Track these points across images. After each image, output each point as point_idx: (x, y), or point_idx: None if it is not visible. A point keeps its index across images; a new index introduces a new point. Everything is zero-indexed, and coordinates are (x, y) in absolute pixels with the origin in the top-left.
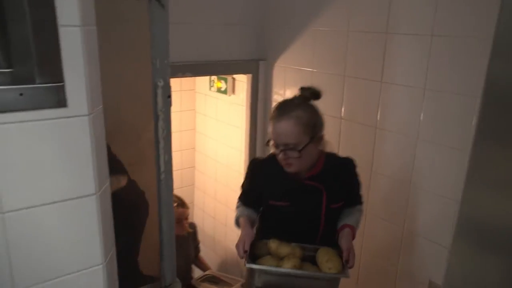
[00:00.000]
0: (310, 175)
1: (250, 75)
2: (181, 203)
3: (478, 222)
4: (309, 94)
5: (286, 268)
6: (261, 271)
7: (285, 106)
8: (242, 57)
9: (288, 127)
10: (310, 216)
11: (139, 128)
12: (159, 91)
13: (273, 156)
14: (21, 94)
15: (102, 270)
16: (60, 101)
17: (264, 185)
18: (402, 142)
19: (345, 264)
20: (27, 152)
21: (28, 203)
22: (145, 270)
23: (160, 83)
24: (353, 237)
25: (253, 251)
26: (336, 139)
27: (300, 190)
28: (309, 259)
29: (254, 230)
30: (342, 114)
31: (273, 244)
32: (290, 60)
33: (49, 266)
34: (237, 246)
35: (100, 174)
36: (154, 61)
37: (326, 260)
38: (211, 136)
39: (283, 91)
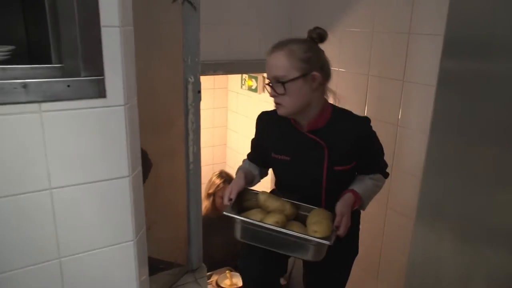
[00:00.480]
0: (312, 128)
1: None
2: (229, 179)
3: (434, 204)
4: (315, 35)
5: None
6: (236, 221)
7: (282, 41)
8: None
9: (277, 59)
10: (312, 175)
11: (170, 121)
12: (190, 87)
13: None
14: (68, 86)
15: (133, 246)
16: (100, 92)
17: (267, 136)
18: (423, 140)
19: (335, 230)
20: (71, 136)
21: (71, 181)
22: (170, 256)
23: (191, 79)
24: (355, 205)
25: (242, 202)
26: None
27: (302, 144)
28: (303, 219)
29: (253, 185)
30: (365, 113)
31: (262, 196)
32: None
33: (87, 238)
34: (224, 194)
35: (133, 158)
36: (186, 58)
37: (314, 222)
38: (242, 133)
39: None
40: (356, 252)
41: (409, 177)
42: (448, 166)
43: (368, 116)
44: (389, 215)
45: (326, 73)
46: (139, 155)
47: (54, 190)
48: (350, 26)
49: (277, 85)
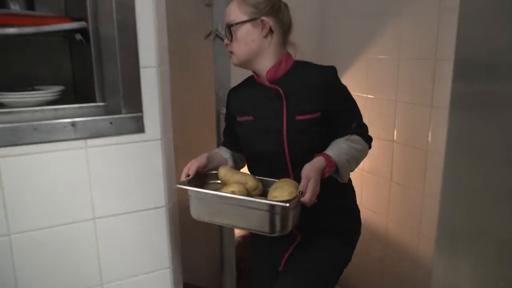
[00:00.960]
0: (272, 78)
1: None
2: None
3: (453, 228)
4: None
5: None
6: (190, 196)
7: None
8: None
9: (231, 6)
10: (273, 130)
11: (203, 151)
12: (222, 118)
13: (247, 78)
14: (111, 123)
15: (169, 273)
16: (139, 128)
17: (234, 104)
18: None
19: (299, 195)
20: (113, 169)
21: (113, 211)
22: (204, 282)
23: (223, 111)
24: (328, 170)
25: (204, 186)
26: (389, 162)
27: (263, 97)
28: None
29: (230, 163)
30: (395, 138)
31: (222, 171)
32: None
33: (127, 266)
34: (183, 171)
35: (169, 189)
36: (217, 91)
37: (275, 188)
38: None
39: None
40: (347, 259)
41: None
42: (465, 190)
43: (335, 66)
44: (422, 243)
45: (282, 22)
46: (174, 186)
47: (98, 219)
48: (376, 53)
49: (228, 31)
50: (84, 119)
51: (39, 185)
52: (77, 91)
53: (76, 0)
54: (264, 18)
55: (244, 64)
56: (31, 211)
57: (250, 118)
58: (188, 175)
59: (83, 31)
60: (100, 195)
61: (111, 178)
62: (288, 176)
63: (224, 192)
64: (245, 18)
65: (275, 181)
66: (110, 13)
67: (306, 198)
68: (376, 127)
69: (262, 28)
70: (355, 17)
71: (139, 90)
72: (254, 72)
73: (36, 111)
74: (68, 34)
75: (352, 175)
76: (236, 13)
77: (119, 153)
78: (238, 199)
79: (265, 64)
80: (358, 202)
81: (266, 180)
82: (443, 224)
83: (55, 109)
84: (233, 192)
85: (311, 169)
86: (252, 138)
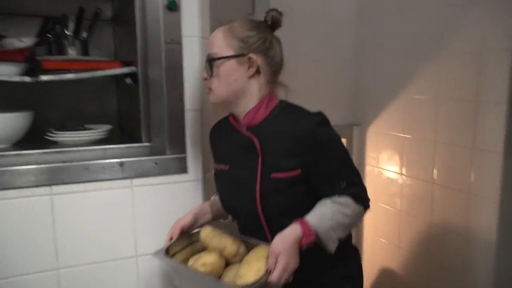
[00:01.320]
0: (249, 124)
1: (344, 140)
2: None
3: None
4: (269, 18)
5: (195, 267)
6: (163, 263)
7: (230, 20)
8: (337, 122)
9: (215, 35)
10: (246, 186)
11: None
12: None
13: (227, 116)
14: (156, 163)
15: None
16: (182, 169)
17: (214, 149)
18: (497, 209)
19: (267, 274)
20: (156, 208)
21: (155, 250)
22: None
23: None
24: (306, 239)
25: (191, 241)
26: (429, 203)
27: (239, 145)
28: None
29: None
30: (435, 178)
31: (203, 233)
32: (383, 125)
33: None
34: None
35: None
36: None
37: (245, 261)
38: None
39: (377, 155)
40: None
41: (485, 248)
42: None
43: (322, 112)
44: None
45: (272, 61)
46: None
47: (140, 257)
48: (414, 94)
49: (208, 65)
50: (131, 159)
51: (87, 222)
52: (122, 128)
53: (125, 44)
54: (252, 55)
55: (223, 104)
56: (79, 247)
57: (226, 167)
58: (171, 238)
59: (133, 75)
60: (143, 233)
61: (154, 216)
62: (264, 238)
63: (185, 266)
64: (230, 52)
65: (260, 243)
66: (159, 59)
67: (273, 278)
68: (414, 167)
69: (249, 67)
70: (392, 57)
71: (183, 132)
72: (231, 114)
73: (86, 150)
74: (117, 76)
75: (389, 216)
76: (220, 45)
77: (162, 193)
78: (199, 277)
79: (245, 108)
80: (395, 242)
81: (249, 242)
82: (501, 272)
83: (104, 149)
84: (203, 265)
85: (280, 242)
86: (226, 191)
